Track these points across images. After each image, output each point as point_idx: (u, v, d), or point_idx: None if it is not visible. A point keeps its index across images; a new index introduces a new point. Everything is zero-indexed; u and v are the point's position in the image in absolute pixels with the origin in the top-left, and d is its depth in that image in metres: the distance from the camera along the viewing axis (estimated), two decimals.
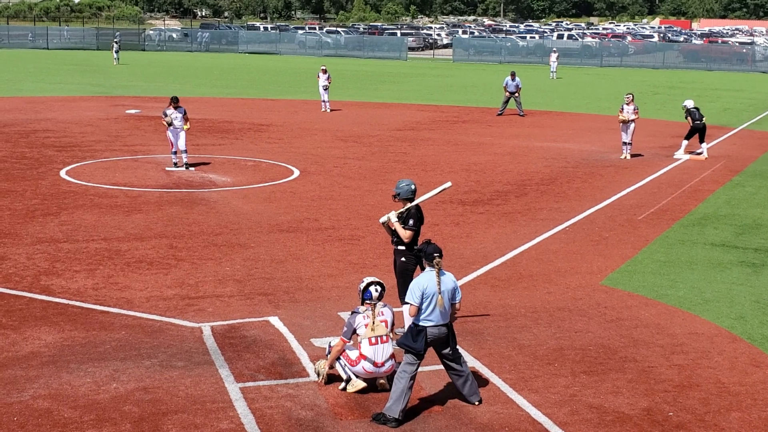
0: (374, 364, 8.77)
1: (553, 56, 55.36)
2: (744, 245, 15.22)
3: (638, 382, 9.34)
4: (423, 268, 8.68)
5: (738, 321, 11.32)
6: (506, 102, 33.65)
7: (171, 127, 20.55)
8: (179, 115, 20.56)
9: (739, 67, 66.24)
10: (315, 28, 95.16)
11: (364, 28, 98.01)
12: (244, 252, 13.99)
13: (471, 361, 9.74)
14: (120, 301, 11.57)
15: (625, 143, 24.04)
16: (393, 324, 9.00)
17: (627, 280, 12.97)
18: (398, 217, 10.10)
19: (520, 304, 11.82)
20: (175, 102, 20.63)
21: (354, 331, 8.86)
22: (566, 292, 12.34)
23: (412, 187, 10.32)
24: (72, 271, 12.82)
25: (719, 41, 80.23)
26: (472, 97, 40.75)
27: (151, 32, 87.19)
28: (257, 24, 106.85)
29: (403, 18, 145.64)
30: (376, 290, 8.96)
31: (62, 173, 20.24)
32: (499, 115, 33.48)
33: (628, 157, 23.95)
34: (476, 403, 8.67)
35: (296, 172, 21.02)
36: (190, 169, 20.80)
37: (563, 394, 9.02)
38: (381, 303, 8.98)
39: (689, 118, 24.22)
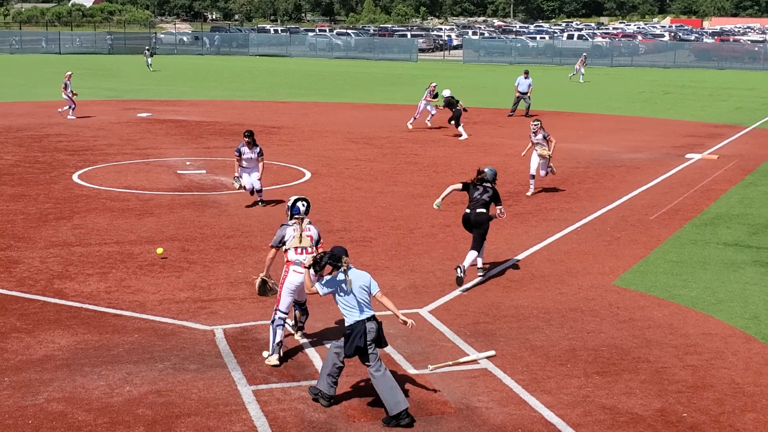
0: (302, 265, 9.56)
1: (584, 60, 51.87)
2: (757, 245, 15.15)
3: (651, 383, 9.31)
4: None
5: (752, 321, 11.27)
6: (517, 102, 33.59)
7: (242, 165, 17.31)
8: (253, 156, 17.14)
9: (751, 65, 65.90)
10: (325, 30, 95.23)
11: (374, 30, 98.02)
12: (256, 254, 14.02)
13: (484, 362, 9.74)
14: (133, 304, 11.61)
15: (533, 176, 19.24)
16: (318, 240, 9.91)
17: (639, 281, 12.93)
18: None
19: (532, 304, 11.80)
20: (249, 137, 17.06)
21: (282, 241, 9.82)
22: (578, 293, 12.32)
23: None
24: (85, 274, 12.88)
25: (731, 40, 79.92)
26: (483, 98, 40.69)
27: (163, 36, 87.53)
28: (267, 27, 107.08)
29: (413, 19, 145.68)
30: (303, 205, 9.87)
31: (75, 177, 20.34)
32: (510, 116, 33.41)
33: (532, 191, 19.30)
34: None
35: (308, 174, 21.05)
36: (263, 203, 17.64)
37: (576, 395, 9.00)
38: (307, 220, 9.92)
39: (448, 106, 27.49)
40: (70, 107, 31.19)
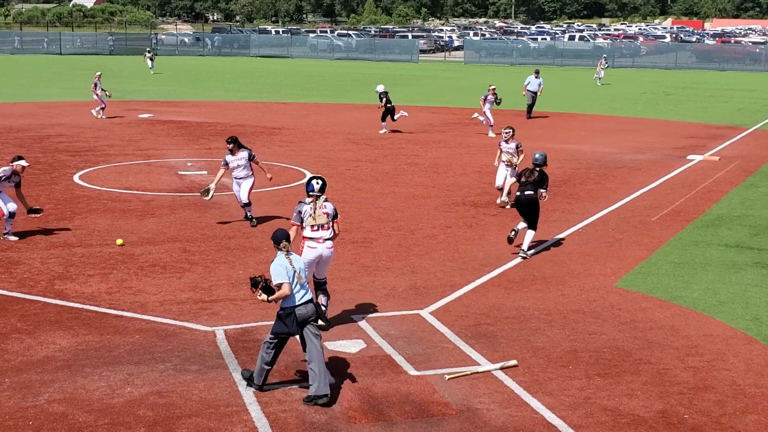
0: (316, 240, 10.51)
1: (603, 62, 50.94)
2: (759, 246, 15.13)
3: (653, 385, 9.30)
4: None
5: (753, 322, 11.26)
6: (532, 103, 33.16)
7: (234, 177, 15.94)
8: (241, 162, 15.76)
9: (752, 67, 65.86)
10: (326, 32, 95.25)
11: (375, 31, 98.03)
12: (257, 255, 14.02)
13: (486, 365, 9.72)
14: (134, 305, 11.61)
15: (500, 188, 17.87)
16: (335, 215, 10.67)
17: (641, 282, 12.92)
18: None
19: (533, 306, 11.79)
20: (230, 143, 15.71)
21: (300, 218, 10.54)
22: (580, 294, 12.31)
23: None
24: (86, 275, 12.87)
25: (732, 41, 79.82)
26: None
27: (164, 36, 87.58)
28: (269, 28, 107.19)
29: (414, 21, 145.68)
30: (318, 183, 10.54)
31: (75, 178, 20.34)
32: (529, 118, 32.92)
33: (507, 206, 17.37)
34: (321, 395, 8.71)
35: (308, 175, 21.00)
36: (253, 222, 16.06)
37: (578, 396, 8.99)
38: (323, 197, 10.59)
39: (384, 100, 28.22)
40: (101, 107, 31.54)
